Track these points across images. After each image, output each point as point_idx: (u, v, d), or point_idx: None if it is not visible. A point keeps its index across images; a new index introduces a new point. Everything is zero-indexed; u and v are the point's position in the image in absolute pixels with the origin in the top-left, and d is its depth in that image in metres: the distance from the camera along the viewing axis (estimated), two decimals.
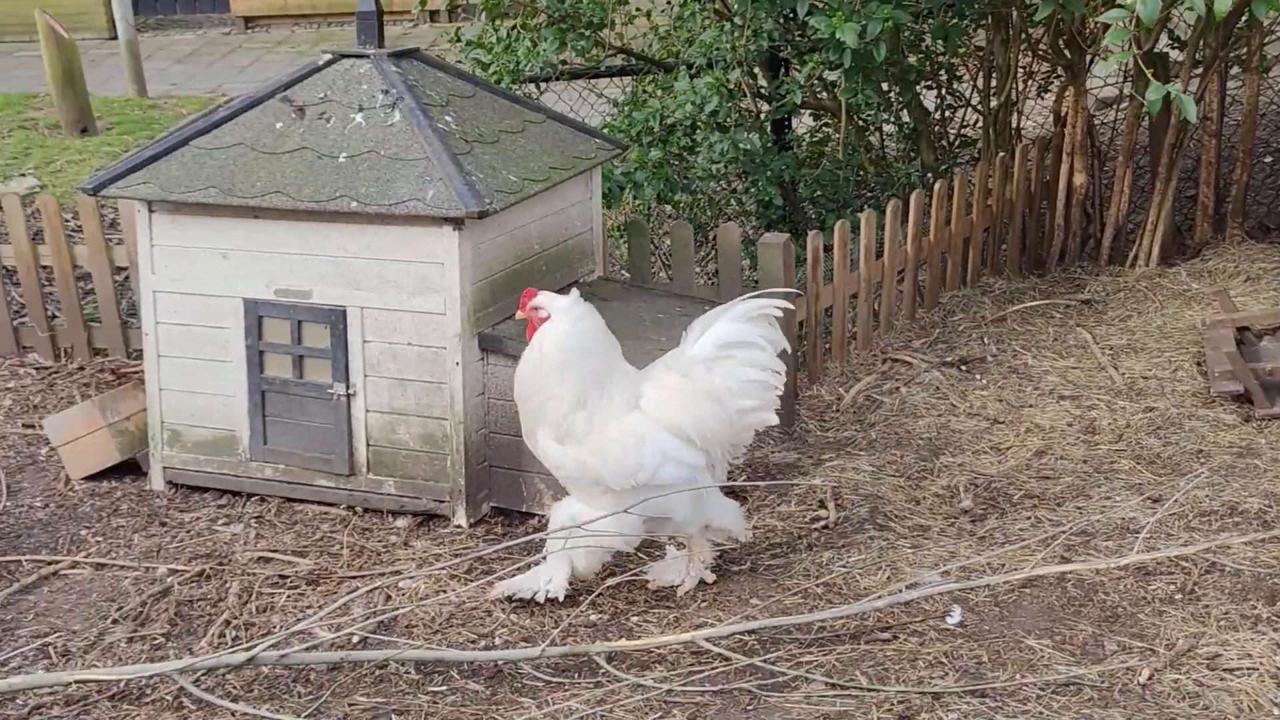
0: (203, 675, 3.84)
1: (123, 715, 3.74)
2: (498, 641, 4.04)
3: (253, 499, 4.94)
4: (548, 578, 4.17)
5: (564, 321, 4.06)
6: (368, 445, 4.77)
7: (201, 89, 10.68)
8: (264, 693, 3.83)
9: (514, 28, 6.06)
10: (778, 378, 4.13)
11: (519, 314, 4.20)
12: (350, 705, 3.75)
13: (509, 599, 4.19)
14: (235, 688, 3.84)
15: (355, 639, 4.03)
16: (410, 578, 4.35)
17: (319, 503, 4.88)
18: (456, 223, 4.49)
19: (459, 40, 6.43)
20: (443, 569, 4.35)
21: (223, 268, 4.80)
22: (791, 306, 4.14)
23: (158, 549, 4.68)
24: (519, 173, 4.76)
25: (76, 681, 3.81)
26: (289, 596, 4.32)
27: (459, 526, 4.73)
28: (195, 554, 4.62)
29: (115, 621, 4.23)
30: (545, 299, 4.12)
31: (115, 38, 11.50)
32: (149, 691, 3.83)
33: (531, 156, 4.93)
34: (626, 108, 6.11)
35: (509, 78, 5.92)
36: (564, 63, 5.92)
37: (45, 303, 6.30)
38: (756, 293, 4.22)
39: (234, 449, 4.92)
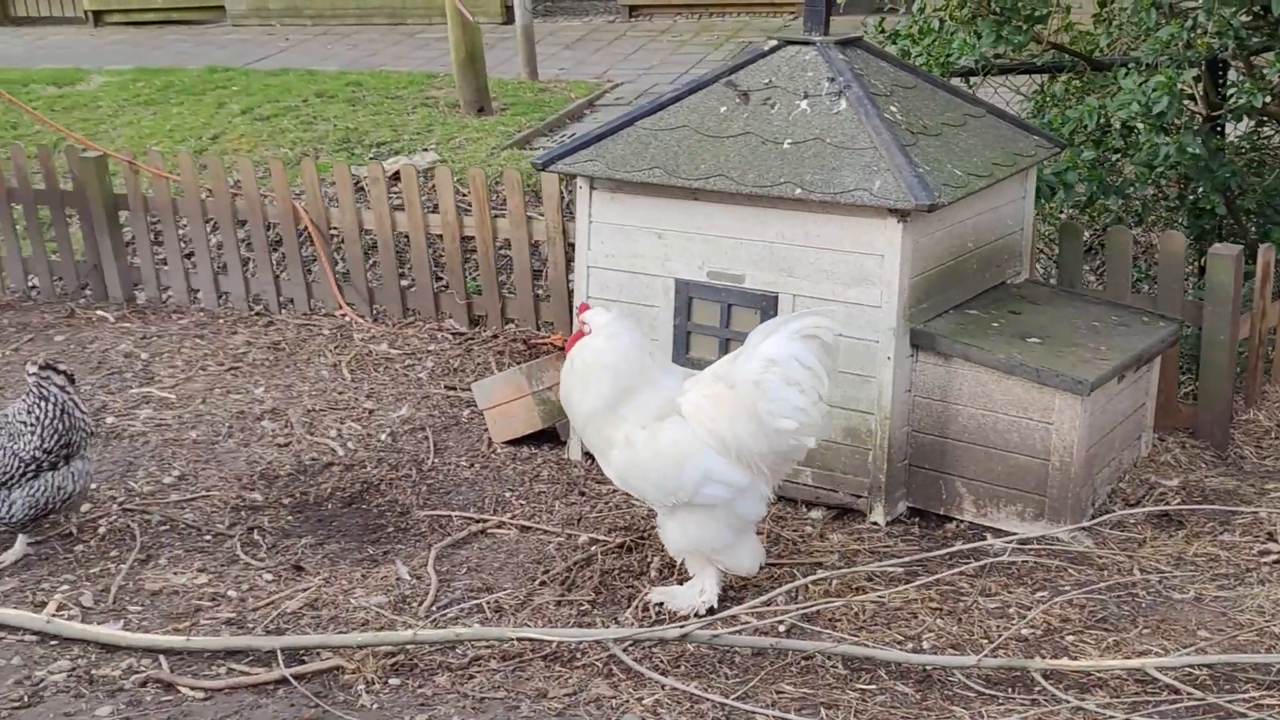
0: (630, 645, 3.91)
1: (555, 675, 3.83)
2: (925, 645, 3.93)
3: None
4: (699, 589, 4.16)
5: (599, 338, 4.10)
6: None
7: (588, 74, 10.94)
8: (690, 670, 3.85)
9: (943, 20, 5.89)
10: (818, 403, 3.99)
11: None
12: (778, 693, 3.72)
13: (662, 606, 4.17)
14: (661, 661, 3.88)
15: (782, 628, 4.01)
16: (835, 569, 4.30)
17: None
18: (901, 215, 4.39)
19: (883, 31, 6.32)
20: (870, 568, 4.27)
21: (657, 247, 4.87)
22: (840, 329, 4.04)
23: (578, 517, 4.80)
24: (963, 167, 4.62)
25: (517, 639, 3.94)
26: None
27: (875, 524, 4.64)
28: (614, 526, 4.71)
29: (543, 584, 4.36)
30: (589, 315, 4.16)
31: (509, 23, 12.00)
32: (579, 655, 3.91)
33: (973, 151, 4.78)
34: (1057, 105, 5.84)
35: (939, 69, 5.77)
36: (998, 56, 5.72)
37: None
38: (812, 311, 4.11)
39: None
